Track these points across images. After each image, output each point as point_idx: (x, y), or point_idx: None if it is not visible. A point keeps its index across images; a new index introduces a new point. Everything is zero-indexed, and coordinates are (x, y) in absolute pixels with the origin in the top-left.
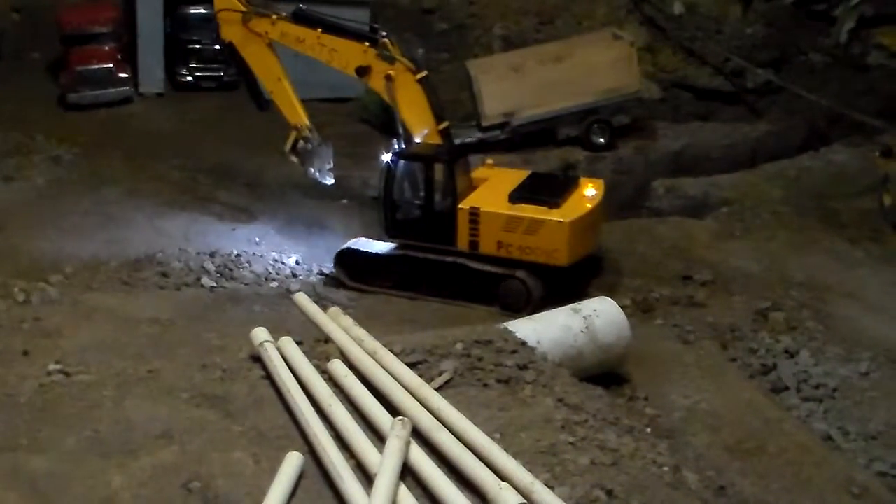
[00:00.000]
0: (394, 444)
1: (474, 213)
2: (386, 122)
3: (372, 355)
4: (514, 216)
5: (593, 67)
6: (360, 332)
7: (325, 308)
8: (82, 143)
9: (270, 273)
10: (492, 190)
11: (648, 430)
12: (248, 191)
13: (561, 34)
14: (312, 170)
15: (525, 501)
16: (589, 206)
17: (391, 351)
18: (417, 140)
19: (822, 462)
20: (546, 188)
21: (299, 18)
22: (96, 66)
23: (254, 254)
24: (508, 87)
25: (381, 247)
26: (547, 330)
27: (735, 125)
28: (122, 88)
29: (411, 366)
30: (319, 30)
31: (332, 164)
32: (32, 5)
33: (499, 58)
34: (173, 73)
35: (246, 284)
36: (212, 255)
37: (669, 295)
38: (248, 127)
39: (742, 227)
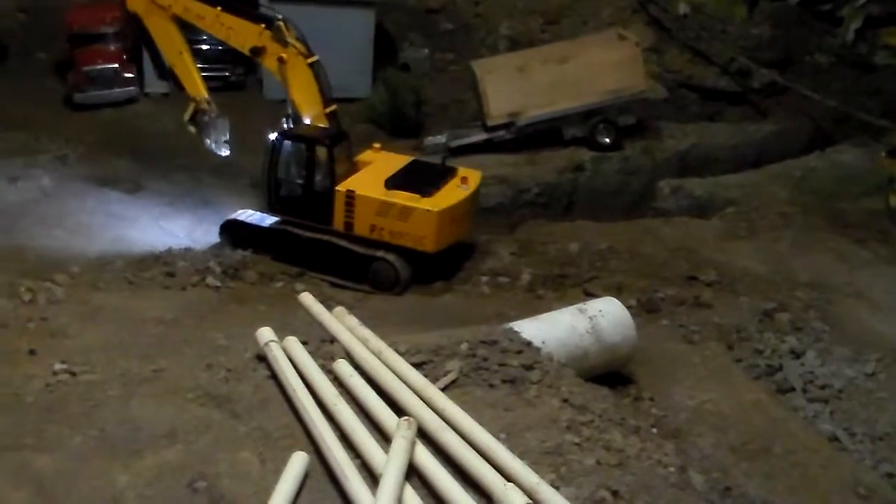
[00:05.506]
0: (399, 444)
1: (350, 196)
2: (393, 122)
3: (377, 355)
4: (387, 202)
5: (599, 68)
6: (366, 332)
7: (330, 308)
8: (88, 143)
9: (275, 273)
10: (371, 174)
11: (654, 430)
12: (252, 191)
13: (566, 34)
14: (209, 141)
15: (530, 502)
16: (461, 196)
17: (396, 351)
18: (306, 121)
19: (829, 463)
20: (422, 176)
21: None
22: (102, 66)
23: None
24: (514, 87)
25: (263, 219)
26: (552, 330)
27: (741, 125)
28: (128, 88)
29: (416, 366)
30: (219, 8)
31: (228, 137)
32: (38, 5)
33: (504, 58)
34: None
35: (251, 284)
36: (217, 254)
37: (675, 295)
38: (253, 126)
39: (748, 228)
